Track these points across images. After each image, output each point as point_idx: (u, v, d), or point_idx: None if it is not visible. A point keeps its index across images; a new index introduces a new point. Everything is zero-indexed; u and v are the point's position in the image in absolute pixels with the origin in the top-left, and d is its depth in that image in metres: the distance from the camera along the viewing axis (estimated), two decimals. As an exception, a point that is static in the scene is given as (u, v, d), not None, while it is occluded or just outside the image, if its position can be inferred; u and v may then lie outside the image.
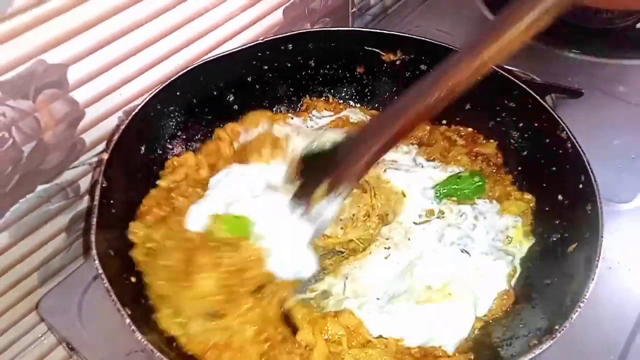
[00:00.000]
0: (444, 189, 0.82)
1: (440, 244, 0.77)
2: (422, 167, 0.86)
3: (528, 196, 0.79)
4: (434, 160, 0.86)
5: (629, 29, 1.20)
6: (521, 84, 0.78)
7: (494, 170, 0.85)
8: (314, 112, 0.94)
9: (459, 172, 0.83)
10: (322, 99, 0.95)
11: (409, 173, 0.84)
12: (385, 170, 0.84)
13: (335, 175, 0.70)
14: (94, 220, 0.60)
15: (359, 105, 0.96)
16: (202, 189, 0.79)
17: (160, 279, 0.67)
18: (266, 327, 0.66)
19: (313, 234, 0.72)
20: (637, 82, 1.07)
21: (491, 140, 0.85)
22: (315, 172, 0.73)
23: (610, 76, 1.08)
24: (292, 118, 0.93)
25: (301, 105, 0.94)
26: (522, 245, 0.78)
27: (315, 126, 0.93)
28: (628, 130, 0.98)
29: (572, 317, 0.54)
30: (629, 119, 1.00)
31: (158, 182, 0.79)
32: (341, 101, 0.95)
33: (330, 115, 0.94)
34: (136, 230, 0.71)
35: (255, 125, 0.88)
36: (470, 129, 0.87)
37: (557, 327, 0.54)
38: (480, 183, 0.81)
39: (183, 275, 0.66)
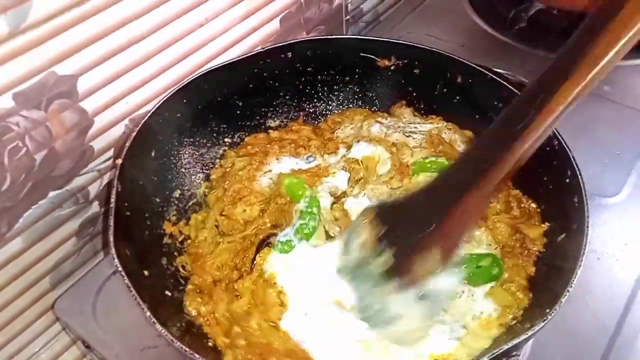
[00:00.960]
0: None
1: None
2: None
3: (521, 296, 0.71)
4: None
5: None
6: (509, 86, 0.81)
7: (523, 253, 0.75)
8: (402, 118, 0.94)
9: (480, 257, 0.75)
10: (409, 107, 0.95)
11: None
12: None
13: (447, 238, 0.62)
14: (112, 221, 0.63)
15: (433, 116, 0.93)
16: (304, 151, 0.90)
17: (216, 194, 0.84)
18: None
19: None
20: (621, 82, 1.11)
21: (543, 225, 0.76)
22: (403, 232, 0.66)
23: (594, 77, 1.11)
24: (386, 118, 0.93)
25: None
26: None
27: (408, 130, 0.91)
28: (613, 128, 1.01)
29: (562, 300, 0.57)
30: (614, 117, 1.04)
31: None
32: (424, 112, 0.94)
33: (421, 123, 0.92)
34: (227, 154, 0.90)
35: (352, 121, 0.93)
36: (534, 206, 0.78)
37: (547, 311, 0.57)
38: (497, 274, 0.73)
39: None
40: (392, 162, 0.85)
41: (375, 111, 0.96)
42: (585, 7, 1.17)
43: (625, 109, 1.05)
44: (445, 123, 0.91)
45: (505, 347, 0.54)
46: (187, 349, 0.54)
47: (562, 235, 0.69)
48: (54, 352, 0.92)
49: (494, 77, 0.82)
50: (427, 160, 0.85)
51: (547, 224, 0.75)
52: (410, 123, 0.92)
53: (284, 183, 0.82)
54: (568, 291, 0.57)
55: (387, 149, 0.86)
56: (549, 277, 0.68)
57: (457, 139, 0.90)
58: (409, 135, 0.89)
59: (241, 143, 0.92)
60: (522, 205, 0.80)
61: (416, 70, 0.90)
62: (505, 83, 0.81)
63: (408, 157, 0.86)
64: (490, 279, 0.73)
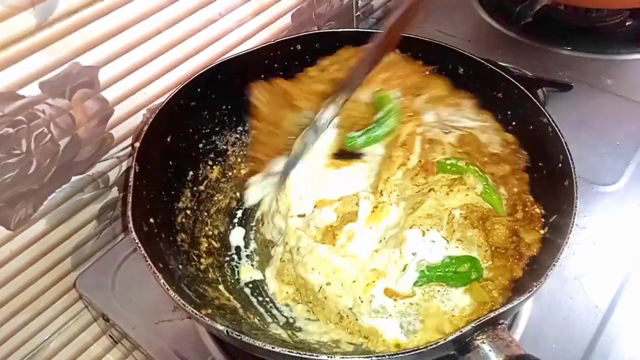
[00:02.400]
0: (434, 274, 0.72)
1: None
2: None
3: (496, 294, 0.70)
4: (466, 218, 0.76)
5: (619, 25, 1.26)
6: (508, 77, 0.83)
7: (514, 256, 0.73)
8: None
9: (459, 260, 0.73)
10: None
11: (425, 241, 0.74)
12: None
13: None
14: (130, 198, 0.66)
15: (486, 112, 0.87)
16: None
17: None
18: None
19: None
20: (623, 75, 1.13)
21: (542, 232, 0.74)
22: None
23: (598, 70, 1.13)
24: (451, 106, 0.89)
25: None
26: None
27: (451, 125, 0.87)
28: (614, 120, 1.03)
29: (548, 274, 0.59)
30: (615, 109, 1.06)
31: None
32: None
33: (472, 119, 0.87)
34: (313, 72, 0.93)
35: (429, 91, 0.91)
36: (538, 211, 0.76)
37: (535, 284, 0.59)
38: (475, 278, 0.71)
39: None
40: (419, 158, 0.82)
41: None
42: (590, 3, 1.20)
43: (626, 101, 1.07)
44: (493, 123, 0.86)
45: (492, 315, 0.56)
46: (196, 312, 0.57)
47: (554, 217, 0.71)
48: (72, 332, 0.95)
49: (494, 68, 0.84)
50: (447, 162, 0.80)
51: (546, 228, 0.74)
52: (464, 117, 0.88)
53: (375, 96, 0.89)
54: (554, 265, 0.59)
55: (421, 144, 0.83)
56: (542, 252, 0.70)
57: (495, 142, 0.84)
58: (448, 132, 0.85)
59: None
60: (527, 209, 0.77)
61: (419, 62, 0.92)
62: (503, 73, 0.83)
63: (439, 155, 0.82)
64: (468, 282, 0.72)
